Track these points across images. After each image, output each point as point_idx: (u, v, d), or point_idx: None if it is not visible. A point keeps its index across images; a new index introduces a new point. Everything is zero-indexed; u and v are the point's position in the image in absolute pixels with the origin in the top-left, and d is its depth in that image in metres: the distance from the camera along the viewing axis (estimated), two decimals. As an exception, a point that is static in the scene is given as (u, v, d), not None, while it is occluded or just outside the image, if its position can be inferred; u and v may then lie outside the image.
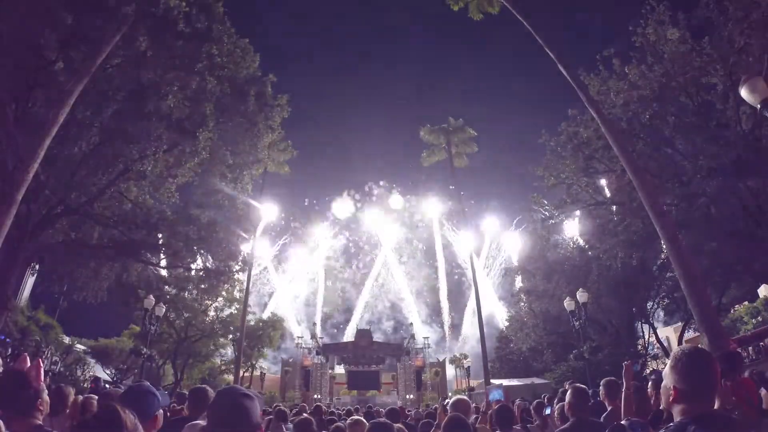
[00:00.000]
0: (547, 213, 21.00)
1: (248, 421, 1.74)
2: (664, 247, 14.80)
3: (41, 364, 2.27)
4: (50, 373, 18.80)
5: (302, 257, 54.32)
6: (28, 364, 2.27)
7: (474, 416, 5.30)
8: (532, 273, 26.82)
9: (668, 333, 28.55)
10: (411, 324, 43.82)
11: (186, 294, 24.12)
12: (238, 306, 29.36)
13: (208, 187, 20.08)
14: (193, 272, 21.51)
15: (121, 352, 25.99)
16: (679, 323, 24.55)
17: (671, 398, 1.75)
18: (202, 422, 2.67)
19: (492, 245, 53.84)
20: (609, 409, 4.06)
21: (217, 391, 1.90)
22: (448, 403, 4.64)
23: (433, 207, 57.58)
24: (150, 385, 2.38)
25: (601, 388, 4.29)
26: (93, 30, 13.55)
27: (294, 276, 53.78)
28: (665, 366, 1.86)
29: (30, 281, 27.99)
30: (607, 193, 20.88)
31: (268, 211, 36.35)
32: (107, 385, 16.72)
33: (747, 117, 15.02)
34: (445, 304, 53.55)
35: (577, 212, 21.80)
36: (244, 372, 31.16)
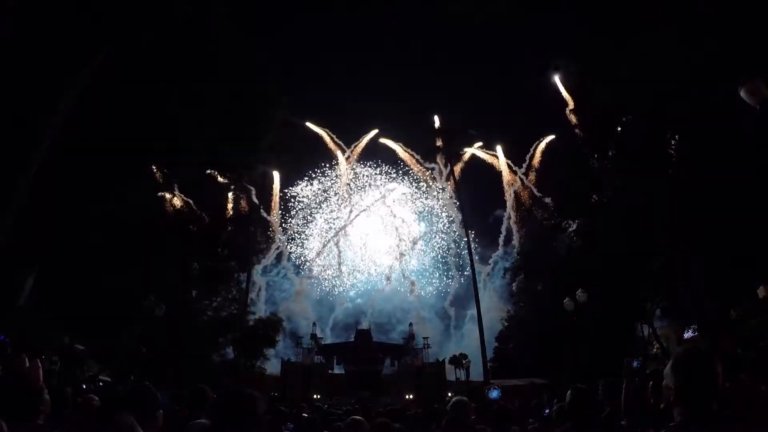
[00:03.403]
0: (547, 214, 21.05)
1: (253, 421, 1.75)
2: (665, 247, 14.81)
3: (40, 365, 2.27)
4: (55, 374, 18.81)
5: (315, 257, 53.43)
6: (27, 364, 2.27)
7: (473, 417, 5.30)
8: (532, 273, 26.86)
9: (668, 333, 28.52)
10: (411, 324, 43.82)
11: (186, 294, 24.14)
12: (237, 306, 29.40)
13: (211, 189, 20.14)
14: (193, 270, 21.55)
15: (120, 352, 25.94)
16: (679, 323, 24.55)
17: (672, 398, 1.76)
18: (204, 421, 2.67)
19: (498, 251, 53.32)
20: (608, 409, 4.06)
21: (222, 391, 1.91)
22: (449, 402, 4.64)
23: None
24: (150, 385, 2.38)
25: (600, 388, 4.30)
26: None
27: (308, 276, 53.00)
28: (665, 366, 1.87)
29: (30, 281, 27.90)
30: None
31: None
32: (101, 384, 16.70)
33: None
34: (449, 306, 53.35)
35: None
36: (243, 372, 31.14)
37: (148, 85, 15.54)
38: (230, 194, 21.39)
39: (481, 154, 45.93)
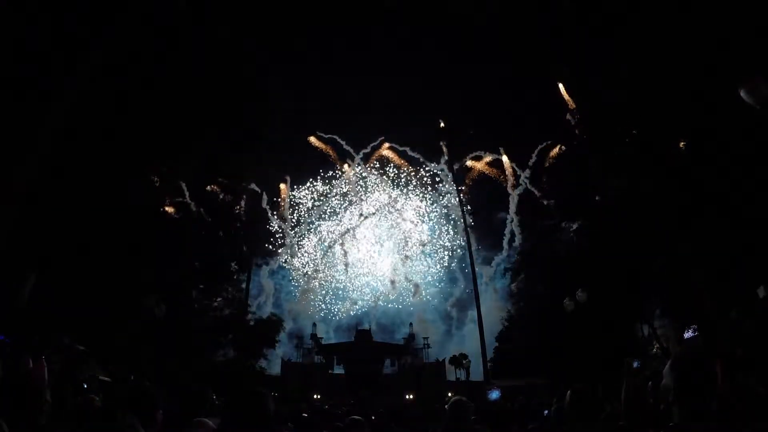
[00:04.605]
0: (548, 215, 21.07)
1: (265, 420, 1.77)
2: (665, 247, 14.81)
3: (44, 365, 2.28)
4: (55, 374, 18.80)
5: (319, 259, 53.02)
6: (31, 364, 2.28)
7: (473, 417, 5.31)
8: (532, 273, 26.87)
9: (668, 333, 28.48)
10: (411, 324, 43.78)
11: (186, 294, 24.17)
12: (239, 306, 29.42)
13: (212, 189, 20.17)
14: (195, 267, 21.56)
15: (121, 352, 25.91)
16: (679, 323, 24.55)
17: (671, 398, 1.76)
18: (207, 420, 2.69)
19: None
20: (608, 409, 4.06)
21: (235, 391, 1.93)
22: (449, 402, 4.65)
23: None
24: (150, 385, 2.39)
25: (600, 388, 4.31)
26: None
27: (313, 277, 52.70)
28: (665, 366, 1.87)
29: (30, 281, 27.86)
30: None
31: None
32: (97, 385, 16.65)
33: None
34: (450, 307, 53.27)
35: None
36: (243, 372, 31.11)
37: (148, 85, 15.56)
38: (232, 195, 21.42)
39: (486, 170, 46.08)
